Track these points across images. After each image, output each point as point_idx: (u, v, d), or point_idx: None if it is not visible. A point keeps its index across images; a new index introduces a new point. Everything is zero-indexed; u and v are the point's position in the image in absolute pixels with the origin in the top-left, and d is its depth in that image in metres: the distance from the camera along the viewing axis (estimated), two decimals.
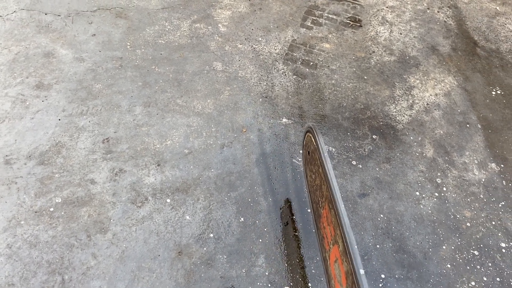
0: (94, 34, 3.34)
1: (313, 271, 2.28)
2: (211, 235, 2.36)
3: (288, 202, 2.55)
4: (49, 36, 3.27)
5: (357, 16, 3.89)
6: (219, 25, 3.61)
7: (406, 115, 3.11)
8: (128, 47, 3.30)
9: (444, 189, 2.71)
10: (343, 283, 1.58)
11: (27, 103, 2.81)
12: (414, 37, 3.74)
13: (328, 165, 1.70)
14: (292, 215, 2.50)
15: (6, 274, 2.11)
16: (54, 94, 2.89)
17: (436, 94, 3.28)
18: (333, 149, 2.84)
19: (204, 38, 3.47)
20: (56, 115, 2.78)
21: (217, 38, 3.50)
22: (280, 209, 2.51)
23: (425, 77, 3.39)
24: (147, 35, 3.41)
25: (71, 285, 2.10)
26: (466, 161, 2.88)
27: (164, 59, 3.25)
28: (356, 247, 1.46)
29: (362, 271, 1.40)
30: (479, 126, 3.10)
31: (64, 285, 2.10)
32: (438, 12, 4.04)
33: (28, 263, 2.16)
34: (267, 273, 2.24)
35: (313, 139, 1.97)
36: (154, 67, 3.18)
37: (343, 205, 1.60)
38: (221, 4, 3.82)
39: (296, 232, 2.42)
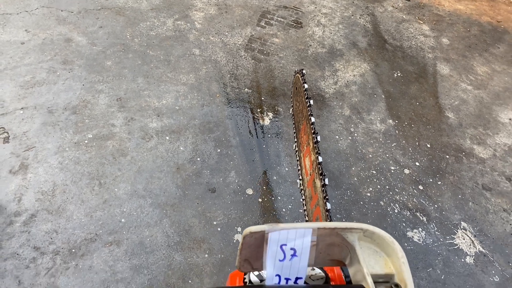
0: (101, 27, 4.39)
1: (267, 180, 3.44)
2: (198, 159, 3.47)
3: (250, 139, 3.71)
4: (67, 27, 4.28)
5: (299, 20, 5.15)
6: (195, 22, 4.75)
7: (332, 88, 4.36)
8: (128, 36, 4.37)
9: (356, 135, 3.96)
10: (310, 169, 2.23)
11: (58, 73, 3.82)
12: (340, 35, 5.04)
13: (309, 98, 2.30)
14: (252, 148, 3.65)
15: (61, 179, 3.12)
16: (77, 68, 3.91)
17: (354, 75, 4.56)
18: (281, 109, 4.04)
19: (184, 32, 4.60)
20: (80, 82, 3.80)
21: (194, 32, 4.64)
22: (244, 144, 3.66)
23: (347, 64, 4.68)
24: (141, 28, 4.50)
25: (106, 186, 3.15)
26: (372, 118, 4.15)
27: (156, 46, 4.35)
28: (318, 143, 2.06)
29: (320, 159, 2.02)
30: (383, 96, 4.40)
31: (101, 185, 3.14)
32: (360, 18, 5.38)
33: (75, 173, 3.18)
34: (236, 181, 3.38)
35: (300, 78, 2.48)
36: (149, 51, 4.27)
37: (314, 119, 2.16)
38: (196, 7, 4.97)
39: (255, 158, 3.57)
